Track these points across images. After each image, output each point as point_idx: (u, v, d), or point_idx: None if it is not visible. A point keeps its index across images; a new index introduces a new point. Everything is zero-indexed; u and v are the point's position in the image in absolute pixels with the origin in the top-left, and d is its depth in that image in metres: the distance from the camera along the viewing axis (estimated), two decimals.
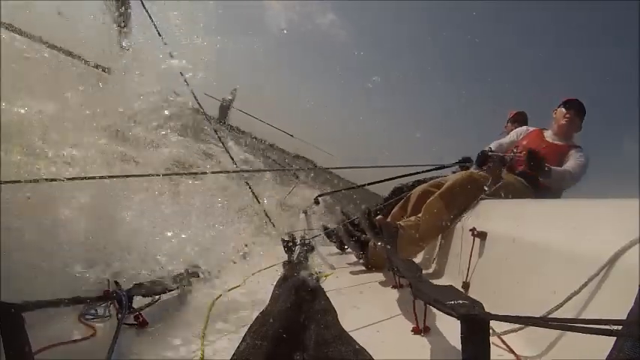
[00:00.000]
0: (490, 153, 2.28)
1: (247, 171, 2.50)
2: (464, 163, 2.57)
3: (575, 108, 2.28)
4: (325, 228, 2.91)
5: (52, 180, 1.51)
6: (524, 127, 2.58)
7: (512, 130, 2.81)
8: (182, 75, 1.85)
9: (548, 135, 2.39)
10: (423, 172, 2.73)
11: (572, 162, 2.18)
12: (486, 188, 1.97)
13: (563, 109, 2.30)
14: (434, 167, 2.70)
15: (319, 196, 3.79)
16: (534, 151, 2.02)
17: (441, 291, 0.98)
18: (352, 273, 2.02)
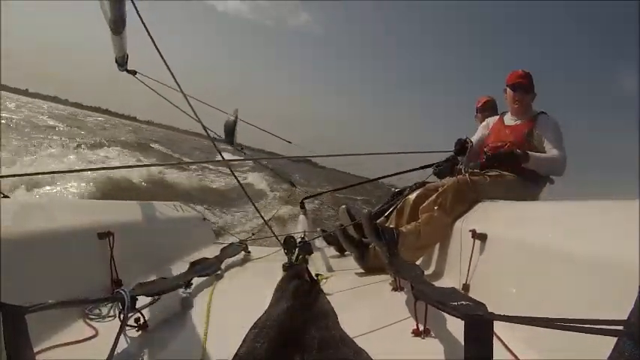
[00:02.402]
0: (467, 139, 2.29)
1: (233, 160, 2.48)
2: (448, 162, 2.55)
3: (520, 86, 2.27)
4: (323, 231, 2.91)
5: (50, 173, 1.52)
6: (485, 122, 2.56)
7: (482, 119, 2.79)
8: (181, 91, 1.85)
9: (509, 118, 2.38)
10: (409, 170, 2.72)
11: (546, 142, 2.15)
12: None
13: (510, 91, 2.29)
14: (420, 167, 2.68)
15: (305, 199, 3.77)
16: (491, 154, 2.10)
17: (444, 293, 0.98)
18: (352, 275, 2.02)
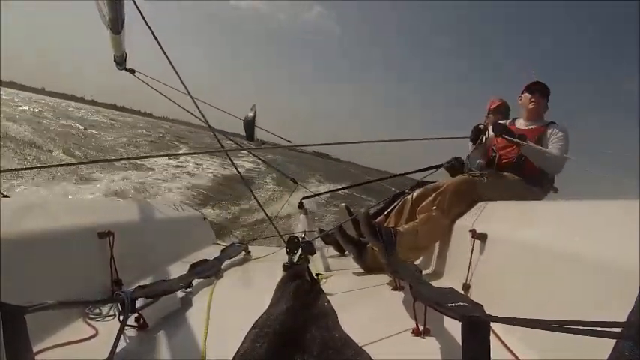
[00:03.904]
0: (483, 125, 2.29)
1: (228, 150, 2.49)
2: (451, 163, 2.50)
3: (539, 90, 2.33)
4: (321, 231, 2.91)
5: (49, 167, 1.53)
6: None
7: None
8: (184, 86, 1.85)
9: (520, 124, 2.41)
10: (413, 172, 2.72)
11: (552, 142, 2.20)
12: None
13: (528, 94, 2.35)
14: (424, 169, 2.66)
15: (304, 199, 3.77)
16: (497, 123, 2.14)
17: (442, 293, 0.98)
18: (352, 275, 2.02)
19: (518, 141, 2.02)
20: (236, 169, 2.30)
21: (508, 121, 2.50)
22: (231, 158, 2.27)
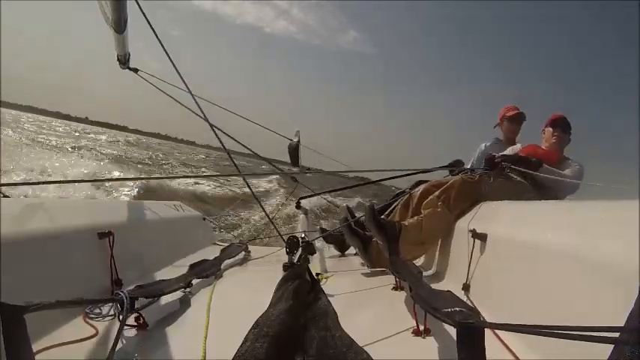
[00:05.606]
0: (498, 159, 2.30)
1: (238, 175, 2.50)
2: (453, 166, 2.54)
3: (561, 126, 2.44)
4: (323, 230, 2.91)
5: (50, 183, 1.53)
6: (517, 146, 2.67)
7: (509, 130, 2.96)
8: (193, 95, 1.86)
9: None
10: (412, 173, 2.73)
11: (568, 170, 2.28)
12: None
13: (551, 129, 2.45)
14: (422, 170, 2.67)
15: (301, 198, 3.77)
16: (489, 158, 2.20)
17: (440, 296, 0.98)
18: (352, 275, 2.02)
19: (530, 171, 2.10)
20: (252, 191, 2.32)
21: (521, 147, 2.57)
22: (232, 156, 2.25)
